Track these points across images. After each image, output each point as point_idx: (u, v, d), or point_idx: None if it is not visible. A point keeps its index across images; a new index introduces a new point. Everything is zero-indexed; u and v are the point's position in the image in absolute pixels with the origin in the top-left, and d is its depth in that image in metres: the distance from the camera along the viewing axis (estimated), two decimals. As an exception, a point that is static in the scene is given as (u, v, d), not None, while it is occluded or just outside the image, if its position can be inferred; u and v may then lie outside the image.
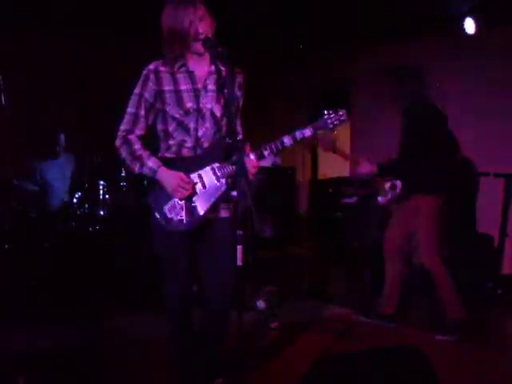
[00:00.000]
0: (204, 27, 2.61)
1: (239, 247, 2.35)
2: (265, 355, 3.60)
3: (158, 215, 2.70)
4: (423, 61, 6.36)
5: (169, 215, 2.69)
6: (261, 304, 4.60)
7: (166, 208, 2.69)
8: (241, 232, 2.37)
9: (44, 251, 4.86)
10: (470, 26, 5.70)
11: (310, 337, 4.02)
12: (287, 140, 2.72)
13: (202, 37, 2.60)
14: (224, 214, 2.76)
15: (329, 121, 2.73)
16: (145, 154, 2.69)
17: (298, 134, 2.72)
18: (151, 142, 2.81)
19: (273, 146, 2.70)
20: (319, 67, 8.11)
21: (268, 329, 4.10)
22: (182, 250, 2.77)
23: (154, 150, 2.77)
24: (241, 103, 2.85)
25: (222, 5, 2.79)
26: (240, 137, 2.84)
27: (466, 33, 5.75)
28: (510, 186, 5.25)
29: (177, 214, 2.68)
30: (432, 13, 5.82)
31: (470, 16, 5.65)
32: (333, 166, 8.42)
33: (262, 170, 2.79)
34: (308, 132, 2.72)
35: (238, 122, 2.87)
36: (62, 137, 5.80)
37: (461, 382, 3.23)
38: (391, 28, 6.38)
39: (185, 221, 2.67)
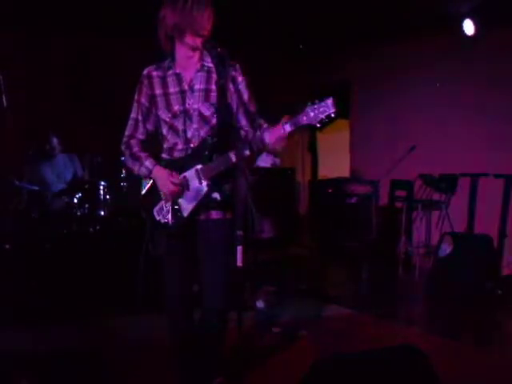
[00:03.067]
0: (209, 27, 2.59)
1: (239, 248, 2.34)
2: (265, 355, 3.60)
3: (147, 216, 2.80)
4: (423, 61, 6.39)
5: (156, 217, 2.77)
6: (260, 304, 4.60)
7: (155, 210, 2.78)
8: (241, 232, 2.36)
9: (44, 251, 4.86)
10: (468, 27, 5.71)
11: (309, 337, 4.02)
12: (267, 138, 2.47)
13: (206, 34, 2.59)
14: (215, 215, 2.75)
15: (312, 113, 2.37)
16: (143, 155, 2.80)
17: (285, 128, 2.43)
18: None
19: (253, 146, 2.51)
20: (319, 67, 8.12)
21: (270, 333, 4.04)
22: (179, 251, 2.79)
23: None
24: (245, 96, 2.77)
25: (222, 4, 2.79)
26: (262, 124, 2.72)
27: (466, 33, 5.76)
28: (509, 187, 5.26)
29: (163, 217, 2.75)
30: (432, 13, 5.83)
31: (470, 17, 5.66)
32: (332, 167, 8.44)
33: (259, 170, 2.77)
34: (288, 128, 2.43)
35: (253, 111, 2.80)
36: (55, 139, 5.80)
37: (461, 382, 3.23)
38: (391, 28, 6.39)
39: (170, 223, 2.73)
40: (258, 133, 2.54)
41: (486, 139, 5.78)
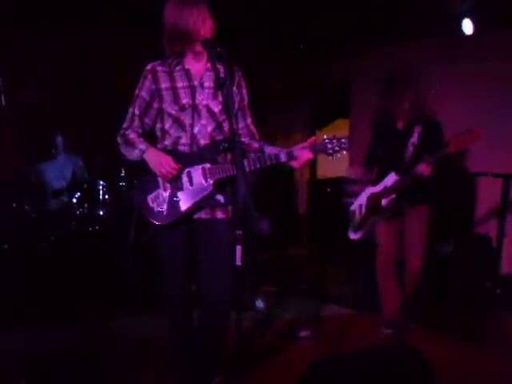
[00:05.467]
0: (205, 28, 2.64)
1: (238, 247, 2.35)
2: (265, 355, 3.60)
3: (140, 202, 2.76)
4: (423, 61, 6.39)
5: (150, 204, 2.74)
6: (260, 304, 4.61)
7: (150, 197, 2.75)
8: (240, 232, 2.37)
9: (44, 251, 4.87)
10: (467, 26, 5.70)
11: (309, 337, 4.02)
12: (283, 156, 2.66)
13: (202, 38, 2.63)
14: (220, 215, 2.77)
15: (329, 146, 2.66)
16: (137, 139, 2.78)
17: (295, 152, 2.66)
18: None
19: (268, 161, 2.65)
20: (319, 67, 8.11)
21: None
22: (179, 250, 2.78)
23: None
24: (246, 101, 2.87)
25: (222, 4, 2.80)
26: (257, 137, 2.89)
27: (465, 33, 5.76)
28: (508, 186, 5.25)
29: (158, 205, 2.72)
30: (431, 13, 5.83)
31: (469, 16, 5.65)
32: (331, 166, 8.43)
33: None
34: (306, 153, 2.67)
35: (250, 121, 2.90)
36: (60, 138, 5.81)
37: (461, 382, 3.24)
38: (391, 28, 6.39)
39: (165, 213, 2.71)
40: (275, 150, 2.73)
41: (486, 138, 5.76)
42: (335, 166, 8.38)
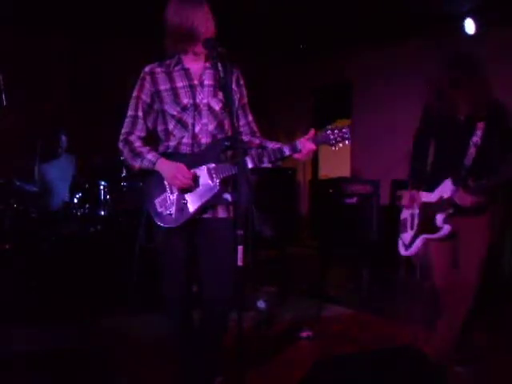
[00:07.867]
0: (209, 29, 2.63)
1: (240, 247, 2.34)
2: (265, 355, 3.60)
3: (148, 207, 2.74)
4: (423, 61, 6.39)
5: (158, 209, 2.72)
6: (261, 304, 4.60)
7: (157, 201, 2.73)
8: (241, 232, 2.36)
9: (44, 251, 4.86)
10: (470, 26, 5.70)
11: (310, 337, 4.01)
12: (287, 150, 2.66)
13: (203, 37, 2.61)
14: (222, 214, 2.76)
15: (331, 136, 2.64)
16: (144, 149, 2.74)
17: (299, 145, 2.65)
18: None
19: (272, 156, 2.65)
20: (319, 67, 8.12)
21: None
22: (180, 250, 2.77)
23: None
24: (246, 99, 2.86)
25: (223, 4, 2.80)
26: (258, 134, 2.89)
27: (466, 33, 5.75)
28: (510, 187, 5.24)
29: (166, 209, 2.70)
30: (432, 13, 5.83)
31: (470, 16, 5.65)
32: (333, 167, 8.44)
33: (260, 170, 2.78)
34: (309, 145, 2.65)
35: (251, 119, 2.89)
36: (64, 138, 5.81)
37: (461, 382, 3.23)
38: (391, 28, 6.39)
39: (173, 216, 2.69)
40: (277, 144, 2.73)
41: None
42: (337, 166, 8.40)
